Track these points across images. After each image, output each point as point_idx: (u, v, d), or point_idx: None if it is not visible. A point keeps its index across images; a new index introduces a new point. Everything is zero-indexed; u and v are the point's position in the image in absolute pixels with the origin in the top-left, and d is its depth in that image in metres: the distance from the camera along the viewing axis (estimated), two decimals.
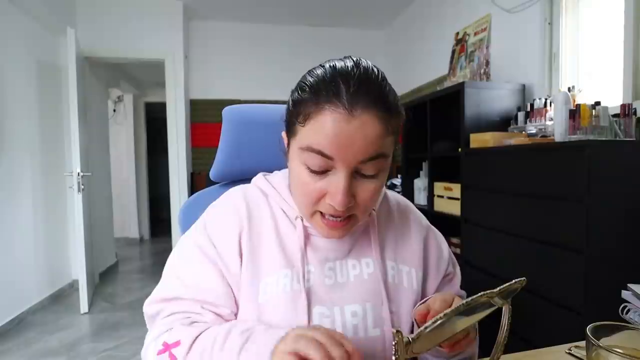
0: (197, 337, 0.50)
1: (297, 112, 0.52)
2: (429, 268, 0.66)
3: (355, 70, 0.50)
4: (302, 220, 0.59)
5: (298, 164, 0.53)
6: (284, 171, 0.65)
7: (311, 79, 0.52)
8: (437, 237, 0.70)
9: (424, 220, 0.70)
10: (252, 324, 0.50)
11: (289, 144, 0.56)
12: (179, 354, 0.49)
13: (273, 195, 0.62)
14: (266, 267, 0.57)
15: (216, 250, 0.57)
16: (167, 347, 0.50)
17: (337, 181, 0.50)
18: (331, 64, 0.52)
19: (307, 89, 0.51)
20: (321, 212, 0.53)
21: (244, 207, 0.60)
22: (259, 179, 0.66)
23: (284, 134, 0.58)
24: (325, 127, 0.48)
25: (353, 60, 0.52)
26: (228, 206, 0.61)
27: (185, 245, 0.60)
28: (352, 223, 0.55)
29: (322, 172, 0.51)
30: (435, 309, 0.51)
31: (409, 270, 0.63)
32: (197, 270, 0.56)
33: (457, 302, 0.52)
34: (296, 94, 0.53)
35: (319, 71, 0.52)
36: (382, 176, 0.53)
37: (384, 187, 0.58)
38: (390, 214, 0.67)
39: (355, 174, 0.51)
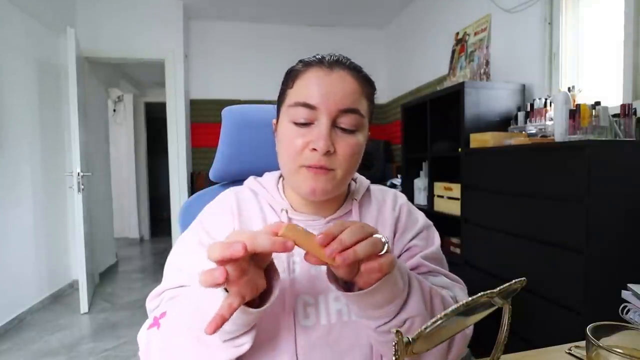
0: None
1: (287, 81, 0.61)
2: (395, 241, 0.65)
3: (335, 53, 0.61)
4: (287, 212, 0.62)
5: (285, 124, 0.59)
6: (273, 172, 0.71)
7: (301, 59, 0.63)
8: (411, 213, 0.69)
9: (400, 199, 0.70)
10: None
11: (278, 115, 0.64)
12: (163, 323, 0.51)
13: (262, 194, 0.66)
14: None
15: (212, 238, 0.60)
16: (155, 320, 0.52)
17: (319, 128, 0.56)
18: None
19: (297, 63, 0.62)
20: (305, 167, 0.57)
21: (235, 203, 0.64)
22: (249, 180, 0.71)
23: (274, 121, 0.65)
24: (310, 81, 0.57)
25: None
26: (220, 203, 0.66)
27: (182, 243, 0.63)
28: (331, 177, 0.57)
29: (307, 125, 0.57)
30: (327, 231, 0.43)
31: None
32: (195, 258, 0.59)
33: (355, 229, 0.43)
34: (288, 69, 0.63)
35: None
36: (360, 136, 0.59)
37: (362, 149, 0.61)
38: (370, 204, 0.68)
39: (335, 128, 0.57)
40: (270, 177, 0.69)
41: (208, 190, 0.84)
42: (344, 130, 0.57)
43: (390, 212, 0.66)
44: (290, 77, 0.61)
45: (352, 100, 0.57)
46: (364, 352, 0.57)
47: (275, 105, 0.67)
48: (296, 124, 0.57)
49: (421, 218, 0.69)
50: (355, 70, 0.59)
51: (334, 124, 0.57)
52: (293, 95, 0.58)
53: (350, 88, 0.57)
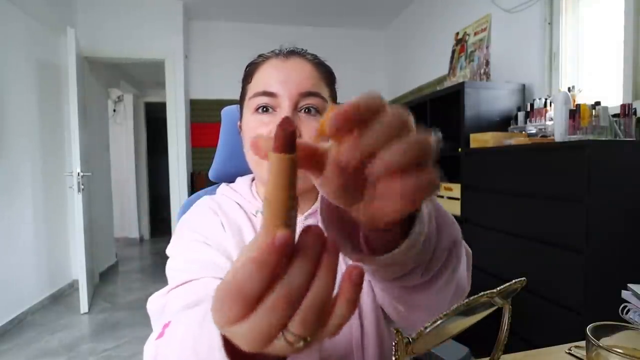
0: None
1: (246, 77, 0.63)
2: None
3: (291, 46, 0.62)
4: (262, 214, 0.58)
5: (248, 116, 0.59)
6: (246, 176, 0.70)
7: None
8: None
9: None
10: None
11: (241, 114, 0.63)
12: (167, 332, 0.42)
13: (237, 198, 0.65)
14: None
15: (203, 236, 0.58)
16: (164, 328, 0.42)
17: (282, 112, 0.56)
18: None
19: (253, 60, 0.63)
20: None
21: (215, 205, 0.63)
22: (222, 188, 0.69)
23: (239, 123, 0.65)
24: (267, 71, 0.59)
25: None
26: (203, 207, 0.64)
27: (177, 250, 0.59)
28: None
29: (269, 112, 0.57)
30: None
31: None
32: (195, 254, 0.57)
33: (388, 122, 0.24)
34: (246, 66, 0.64)
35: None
36: None
37: None
38: None
39: (299, 113, 0.56)
40: (242, 181, 0.69)
41: (208, 190, 0.84)
42: (307, 112, 0.57)
43: None
44: (249, 73, 0.62)
45: (311, 84, 0.57)
46: (347, 346, 0.55)
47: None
48: (258, 110, 0.57)
49: None
50: (312, 57, 0.61)
51: (296, 109, 0.56)
52: (253, 87, 0.60)
53: (309, 72, 0.58)
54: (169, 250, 0.61)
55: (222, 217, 0.61)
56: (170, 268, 0.58)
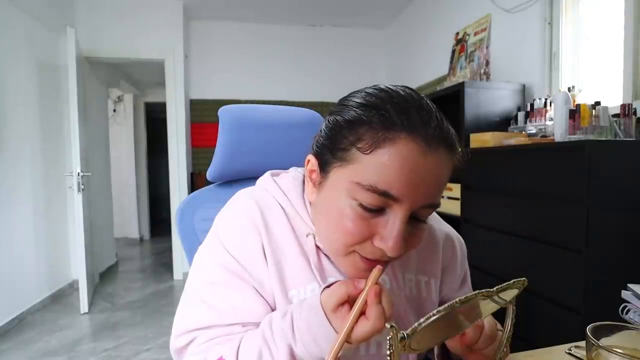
0: (239, 346, 0.47)
1: (356, 135, 0.44)
2: (446, 273, 0.64)
3: (423, 101, 0.46)
4: (314, 238, 0.53)
5: (344, 197, 0.45)
6: (293, 174, 0.60)
7: (375, 100, 0.45)
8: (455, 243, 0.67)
9: (444, 227, 0.67)
10: (284, 308, 0.48)
11: (325, 169, 0.49)
12: None
13: (286, 206, 0.56)
14: (291, 279, 0.53)
15: (241, 266, 0.52)
16: None
17: (392, 224, 0.44)
18: (390, 88, 0.47)
19: (373, 110, 0.44)
20: (360, 255, 0.47)
21: (259, 216, 0.54)
22: (268, 183, 0.59)
23: (310, 157, 0.52)
24: (400, 163, 0.42)
25: (412, 90, 0.48)
26: (242, 217, 0.55)
27: (206, 267, 0.54)
28: (388, 266, 0.51)
29: (375, 211, 0.45)
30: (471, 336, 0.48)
31: (427, 280, 0.61)
32: (228, 292, 0.51)
33: (490, 336, 0.48)
34: (352, 112, 0.46)
35: (382, 94, 0.46)
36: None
37: None
38: None
39: (410, 217, 0.45)
40: (291, 183, 0.58)
41: (204, 191, 0.83)
42: (417, 220, 0.47)
43: (438, 244, 0.65)
44: (363, 136, 0.44)
45: (439, 192, 0.46)
46: None
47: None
48: (362, 206, 0.44)
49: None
50: (453, 144, 0.47)
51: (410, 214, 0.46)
52: (368, 170, 0.43)
53: (444, 177, 0.46)
54: (199, 259, 0.56)
55: (264, 236, 0.53)
56: (196, 286, 0.54)
